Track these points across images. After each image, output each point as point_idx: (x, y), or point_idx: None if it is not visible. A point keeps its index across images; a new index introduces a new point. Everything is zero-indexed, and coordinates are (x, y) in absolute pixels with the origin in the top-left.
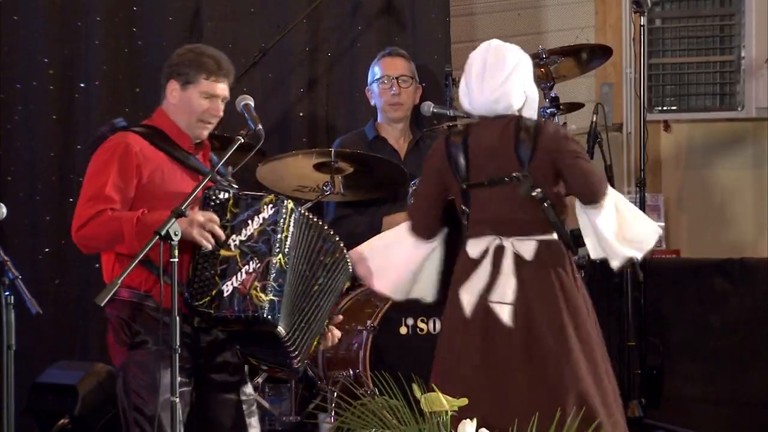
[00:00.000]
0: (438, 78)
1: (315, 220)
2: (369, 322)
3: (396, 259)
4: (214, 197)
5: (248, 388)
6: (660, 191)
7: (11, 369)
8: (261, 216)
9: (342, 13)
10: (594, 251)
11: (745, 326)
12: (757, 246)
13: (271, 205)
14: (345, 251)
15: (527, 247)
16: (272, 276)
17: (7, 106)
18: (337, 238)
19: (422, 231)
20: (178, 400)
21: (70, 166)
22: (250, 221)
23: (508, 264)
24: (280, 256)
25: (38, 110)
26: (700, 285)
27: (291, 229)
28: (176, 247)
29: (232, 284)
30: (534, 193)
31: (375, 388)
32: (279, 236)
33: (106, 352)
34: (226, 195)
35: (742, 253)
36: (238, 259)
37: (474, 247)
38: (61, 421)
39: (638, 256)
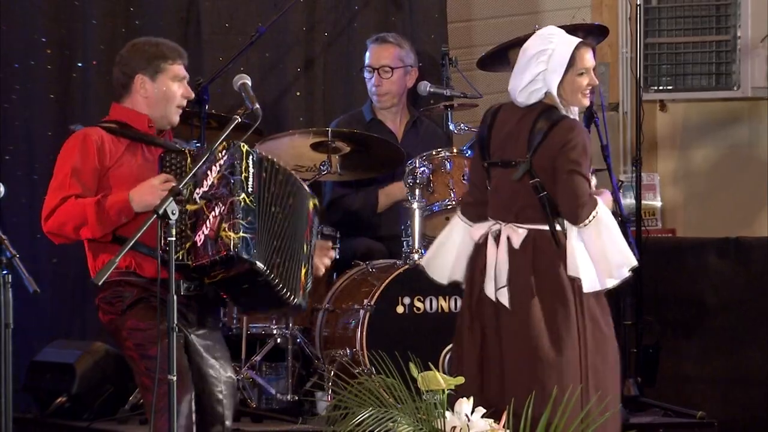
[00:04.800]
0: (435, 58)
1: (270, 157)
2: (366, 301)
3: (447, 245)
4: (169, 159)
5: (229, 371)
6: (656, 170)
7: (9, 347)
8: (218, 164)
9: None
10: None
11: (740, 305)
12: (753, 225)
13: (225, 151)
14: (298, 178)
15: (518, 235)
16: (239, 215)
17: (5, 85)
18: (288, 168)
19: (469, 213)
20: (175, 378)
21: None
22: (209, 171)
23: (503, 251)
24: (244, 195)
25: (36, 89)
26: (695, 264)
27: (251, 169)
28: (174, 226)
29: (202, 233)
30: (531, 181)
31: (372, 367)
32: (239, 177)
33: (104, 331)
34: (181, 155)
35: (737, 232)
36: (204, 209)
37: (476, 232)
38: (59, 399)
39: (608, 285)
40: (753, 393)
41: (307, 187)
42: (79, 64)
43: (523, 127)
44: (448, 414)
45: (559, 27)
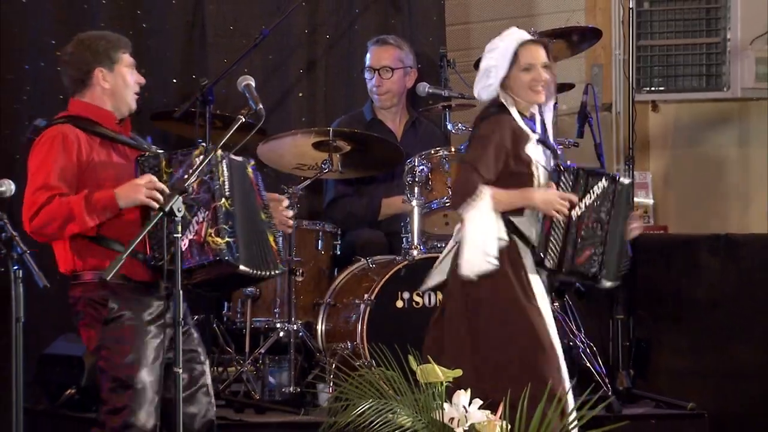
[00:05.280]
0: (433, 59)
1: (237, 158)
2: (366, 296)
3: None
4: (147, 163)
5: (204, 365)
6: (648, 169)
7: (20, 341)
8: (194, 169)
9: None
10: None
11: (729, 300)
12: (742, 222)
13: (202, 157)
14: (236, 157)
15: None
16: (221, 220)
17: (16, 86)
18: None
19: None
20: (181, 371)
21: None
22: (186, 176)
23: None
24: (223, 199)
25: (45, 90)
26: (686, 260)
27: (225, 173)
28: (179, 223)
29: (187, 237)
30: None
31: (372, 360)
32: (217, 182)
33: None
34: (157, 158)
35: (727, 229)
36: (186, 213)
37: None
38: (68, 391)
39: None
40: (742, 386)
41: (238, 158)
42: None
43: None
44: (446, 405)
45: (553, 29)
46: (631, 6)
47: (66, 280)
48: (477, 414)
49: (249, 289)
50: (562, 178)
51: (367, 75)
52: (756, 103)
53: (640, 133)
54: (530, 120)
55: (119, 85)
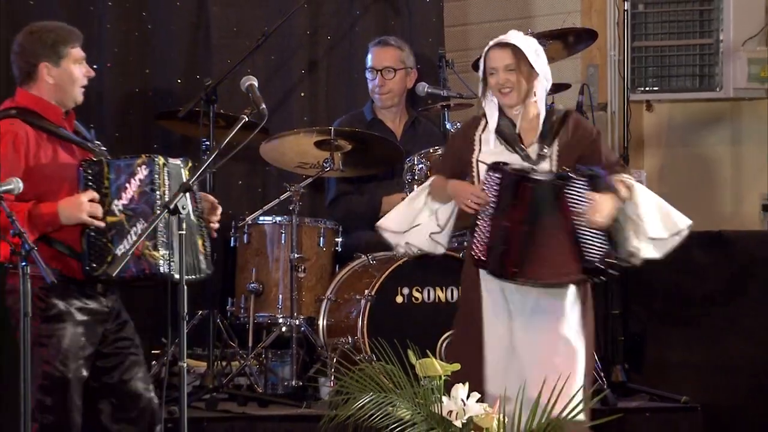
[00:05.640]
0: (432, 60)
1: (175, 161)
2: (367, 291)
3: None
4: (88, 170)
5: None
6: (642, 167)
7: (28, 335)
8: (137, 177)
9: None
10: None
11: (721, 295)
12: (734, 219)
13: (144, 166)
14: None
15: None
16: (160, 232)
17: None
18: (188, 161)
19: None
20: (186, 365)
21: None
22: (128, 185)
23: None
24: (165, 215)
25: None
26: (680, 256)
27: (167, 182)
28: (184, 221)
29: (124, 247)
30: None
31: (372, 354)
32: (158, 193)
33: None
34: (99, 165)
35: (720, 226)
36: (125, 223)
37: None
38: None
39: None
40: (734, 379)
41: (176, 160)
42: (94, 66)
43: None
44: (444, 399)
45: (550, 31)
46: (626, 8)
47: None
48: (475, 407)
49: (252, 284)
50: (487, 175)
51: (369, 75)
52: (748, 102)
53: (634, 132)
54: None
55: (64, 80)
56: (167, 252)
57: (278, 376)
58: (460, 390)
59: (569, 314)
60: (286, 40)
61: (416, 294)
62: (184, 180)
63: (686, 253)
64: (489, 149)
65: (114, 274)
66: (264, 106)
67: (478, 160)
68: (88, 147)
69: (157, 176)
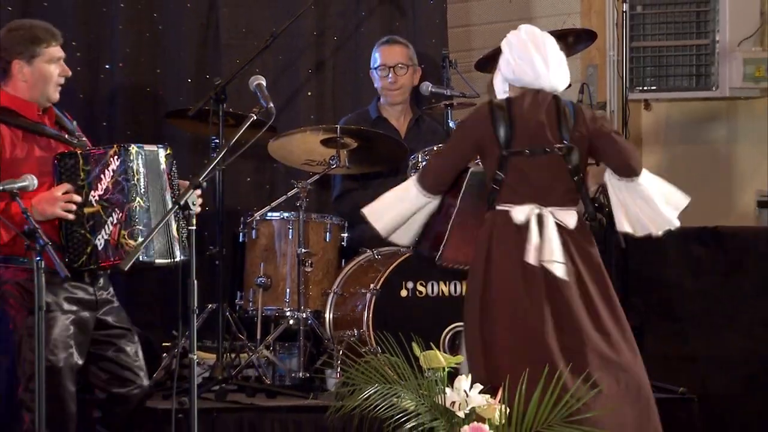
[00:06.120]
0: (436, 60)
1: (151, 148)
2: (372, 285)
3: (395, 205)
4: (63, 163)
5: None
6: None
7: (42, 327)
8: (110, 168)
9: (347, 0)
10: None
11: (717, 289)
12: (730, 215)
13: (116, 156)
14: (149, 147)
15: (570, 217)
16: (136, 221)
17: None
18: (165, 147)
19: (433, 187)
20: (196, 357)
21: (95, 141)
22: (102, 176)
23: (552, 230)
24: (138, 199)
25: (67, 90)
26: (677, 251)
27: (141, 170)
28: (194, 216)
29: (102, 237)
30: (572, 165)
31: (377, 347)
32: (131, 182)
33: (129, 312)
34: (74, 158)
35: (715, 222)
36: (102, 213)
37: (519, 214)
38: None
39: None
40: (729, 371)
41: (154, 146)
42: (107, 66)
43: (551, 117)
44: (447, 390)
45: (550, 31)
46: (624, 9)
47: None
48: (477, 398)
49: (260, 279)
50: None
51: (379, 73)
52: (743, 101)
53: (633, 131)
54: None
55: (36, 79)
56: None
57: (286, 368)
58: (463, 381)
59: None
60: (293, 41)
61: (420, 288)
62: (162, 166)
63: (683, 248)
64: None
65: (126, 268)
66: (272, 104)
67: None
68: (66, 140)
69: (130, 165)
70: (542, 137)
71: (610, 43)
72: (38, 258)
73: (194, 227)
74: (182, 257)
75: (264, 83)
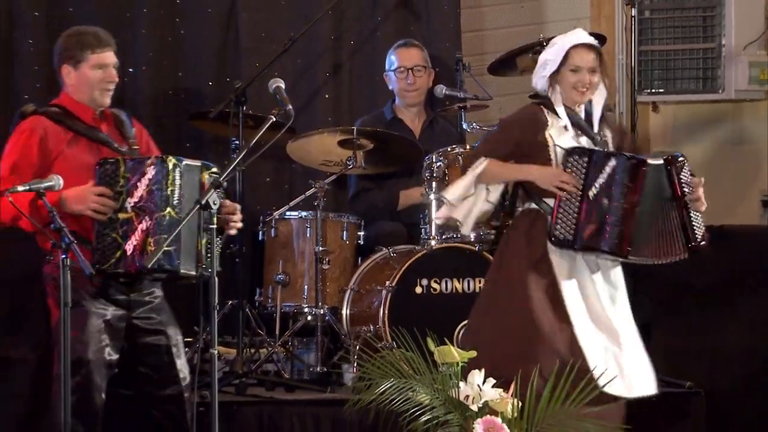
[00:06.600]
0: (449, 64)
1: (194, 163)
2: (387, 282)
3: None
4: (104, 168)
5: (178, 334)
6: None
7: (68, 323)
8: (146, 177)
9: (363, 5)
10: None
11: (723, 286)
12: (736, 214)
13: (153, 167)
14: (192, 162)
15: None
16: (163, 229)
17: None
18: (210, 166)
19: None
20: (216, 352)
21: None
22: (138, 183)
23: None
24: (169, 209)
25: None
26: None
27: (178, 182)
28: (215, 215)
29: (132, 243)
30: None
31: (393, 342)
32: (165, 193)
33: None
34: (115, 164)
35: (721, 221)
36: (134, 219)
37: None
38: None
39: None
40: (734, 365)
41: (197, 162)
42: (130, 70)
43: None
44: (461, 384)
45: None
46: (633, 14)
47: None
48: (490, 392)
49: (279, 276)
50: (570, 159)
51: (397, 75)
52: (749, 104)
53: (641, 132)
54: (572, 112)
55: (81, 83)
56: (173, 249)
57: (304, 363)
58: (476, 376)
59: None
60: (311, 45)
61: (434, 285)
62: (201, 181)
63: None
64: (563, 135)
65: (149, 266)
66: (290, 106)
67: (555, 145)
68: (113, 147)
69: (166, 175)
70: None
71: (620, 47)
72: (63, 256)
73: (214, 225)
74: (195, 273)
75: (283, 86)
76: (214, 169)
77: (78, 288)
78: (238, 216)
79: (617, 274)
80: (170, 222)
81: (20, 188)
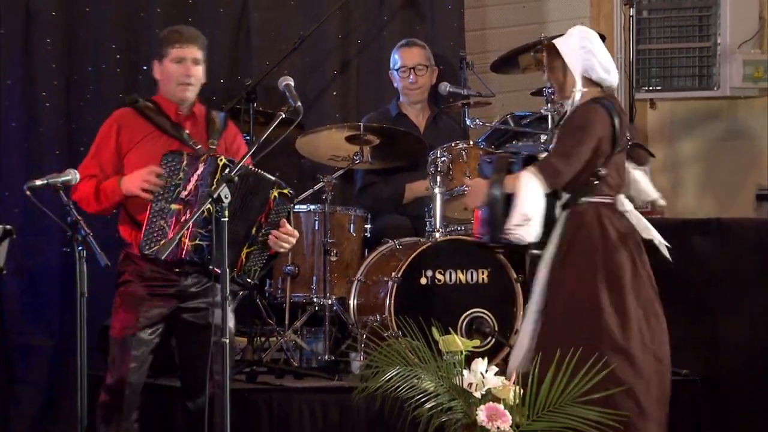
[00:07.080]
0: (453, 61)
1: (268, 177)
2: (393, 273)
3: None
4: (167, 160)
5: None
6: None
7: (84, 313)
8: (197, 173)
9: (370, 5)
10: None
11: (719, 278)
12: (731, 207)
13: (203, 164)
14: (266, 175)
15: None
16: (200, 224)
17: (80, 86)
18: (261, 171)
19: (560, 185)
20: (228, 341)
21: None
22: (191, 178)
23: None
24: (209, 206)
25: (106, 90)
26: (682, 242)
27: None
28: (227, 208)
29: (172, 232)
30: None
31: (399, 331)
32: (208, 189)
33: None
34: (178, 157)
35: (717, 214)
36: (181, 211)
37: (624, 203)
38: None
39: None
40: (730, 354)
41: (273, 179)
42: (144, 68)
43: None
44: (465, 372)
45: (560, 35)
46: (631, 14)
47: None
48: (493, 380)
49: (288, 267)
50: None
51: (400, 74)
52: (743, 100)
53: (639, 128)
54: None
55: (164, 78)
56: (205, 244)
57: (312, 351)
58: (480, 364)
59: None
60: (320, 44)
61: (439, 276)
62: (269, 198)
63: (687, 239)
64: None
65: (163, 256)
66: (300, 103)
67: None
68: (189, 145)
69: (211, 174)
70: (629, 135)
71: (618, 45)
72: (80, 248)
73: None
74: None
75: (292, 83)
76: (287, 190)
77: (126, 267)
78: (292, 240)
79: None
80: (206, 219)
81: (38, 182)
